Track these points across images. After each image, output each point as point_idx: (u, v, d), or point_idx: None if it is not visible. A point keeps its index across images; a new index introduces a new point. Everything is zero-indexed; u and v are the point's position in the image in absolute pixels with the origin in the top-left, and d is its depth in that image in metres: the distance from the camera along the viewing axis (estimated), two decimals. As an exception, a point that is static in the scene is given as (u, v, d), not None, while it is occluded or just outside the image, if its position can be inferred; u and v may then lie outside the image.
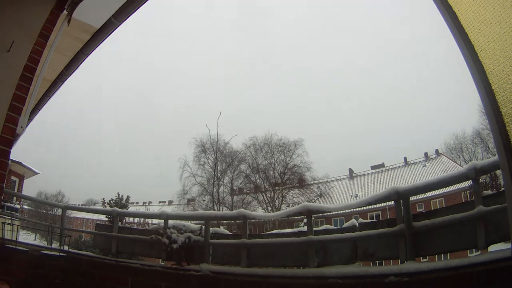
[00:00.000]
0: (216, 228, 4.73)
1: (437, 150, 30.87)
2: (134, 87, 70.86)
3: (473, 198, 2.81)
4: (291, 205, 23.77)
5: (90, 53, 3.48)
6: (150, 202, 45.55)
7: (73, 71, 3.78)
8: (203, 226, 4.28)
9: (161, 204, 42.50)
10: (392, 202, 3.24)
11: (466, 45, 1.70)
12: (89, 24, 3.07)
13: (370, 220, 6.50)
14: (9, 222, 4.88)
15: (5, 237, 4.31)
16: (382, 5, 59.87)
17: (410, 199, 3.18)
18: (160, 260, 5.04)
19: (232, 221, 17.20)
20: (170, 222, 4.47)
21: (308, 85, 61.00)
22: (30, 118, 3.93)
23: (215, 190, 23.88)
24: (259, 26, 71.48)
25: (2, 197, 2.09)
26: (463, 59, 1.75)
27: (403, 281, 2.65)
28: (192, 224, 4.45)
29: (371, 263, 4.90)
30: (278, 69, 65.28)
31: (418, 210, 19.36)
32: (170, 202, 38.80)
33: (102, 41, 3.29)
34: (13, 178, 16.41)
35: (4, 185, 2.01)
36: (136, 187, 53.84)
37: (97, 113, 69.48)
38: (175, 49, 75.20)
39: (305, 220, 7.10)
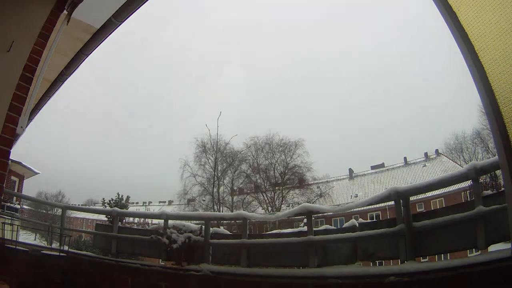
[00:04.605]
0: (216, 228, 4.73)
1: (437, 150, 30.87)
2: (134, 87, 70.84)
3: (473, 198, 2.82)
4: (291, 205, 23.76)
5: (90, 53, 3.48)
6: (150, 202, 45.54)
7: (73, 71, 3.78)
8: (203, 226, 4.28)
9: (161, 204, 42.50)
10: (392, 202, 3.25)
11: (466, 45, 1.70)
12: (89, 24, 3.07)
13: (370, 220, 6.49)
14: (9, 222, 4.88)
15: (5, 237, 4.31)
16: (382, 5, 59.87)
17: (410, 199, 3.18)
18: (160, 260, 5.04)
19: (232, 221, 17.19)
20: (170, 222, 4.48)
21: (308, 85, 61.05)
22: (30, 118, 3.93)
23: (215, 190, 23.89)
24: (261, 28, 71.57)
25: (2, 197, 2.09)
26: (463, 59, 1.75)
27: (403, 281, 2.65)
28: (192, 224, 4.46)
29: (371, 263, 4.91)
30: (278, 69, 65.30)
31: (418, 210, 19.35)
32: (170, 202, 38.82)
33: (102, 41, 3.29)
34: (13, 178, 16.39)
35: (4, 185, 2.01)
36: (136, 187, 53.87)
37: (97, 113, 69.49)
38: (174, 47, 75.28)
39: (305, 220, 7.10)
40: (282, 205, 24.76)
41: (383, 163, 33.46)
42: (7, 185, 13.16)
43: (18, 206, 13.71)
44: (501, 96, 1.63)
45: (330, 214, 21.12)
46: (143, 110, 69.31)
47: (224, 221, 17.08)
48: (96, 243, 5.47)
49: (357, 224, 3.52)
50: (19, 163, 15.73)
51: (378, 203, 3.73)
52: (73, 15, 2.79)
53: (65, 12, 2.67)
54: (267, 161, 27.00)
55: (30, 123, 4.14)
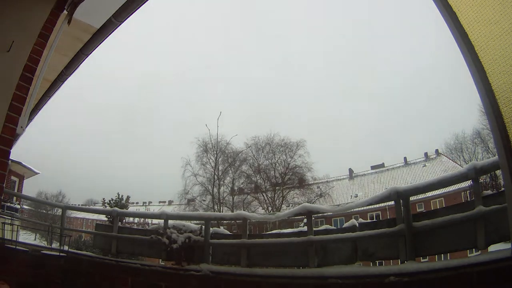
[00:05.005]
0: (216, 228, 4.73)
1: (437, 150, 30.87)
2: (134, 87, 70.86)
3: (473, 198, 2.82)
4: (291, 205, 23.76)
5: (90, 53, 3.48)
6: (150, 202, 45.52)
7: (73, 71, 3.78)
8: (203, 226, 4.28)
9: (161, 204, 42.49)
10: (392, 202, 3.25)
11: (466, 45, 1.70)
12: (89, 24, 3.06)
13: (370, 220, 6.49)
14: (9, 222, 4.88)
15: (5, 237, 4.31)
16: (381, 5, 59.91)
17: (410, 199, 3.18)
18: (160, 260, 5.04)
19: (232, 221, 17.19)
20: (170, 222, 4.48)
21: (308, 84, 61.02)
22: (30, 118, 3.93)
23: (216, 190, 23.88)
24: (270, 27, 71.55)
25: (2, 197, 2.08)
26: (463, 59, 1.75)
27: (403, 281, 2.65)
28: (192, 224, 4.46)
29: (371, 263, 4.91)
30: (280, 70, 65.31)
31: (418, 210, 19.34)
32: (170, 202, 38.81)
33: (102, 41, 3.28)
34: (13, 178, 16.38)
35: (4, 185, 2.00)
36: (136, 187, 53.90)
37: (97, 113, 69.48)
38: (175, 46, 75.30)
39: (305, 220, 7.10)
40: (283, 205, 24.75)
41: (383, 163, 33.48)
42: (7, 185, 13.16)
43: (18, 206, 13.71)
44: (501, 96, 1.62)
45: (330, 214, 21.10)
46: (143, 110, 69.33)
47: (224, 221, 17.08)
48: (96, 243, 5.47)
49: (357, 224, 3.52)
50: (19, 163, 15.73)
51: (378, 203, 3.74)
52: (73, 15, 2.79)
53: (65, 12, 2.67)
54: (267, 161, 27.02)
55: (30, 123, 4.13)
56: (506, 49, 1.55)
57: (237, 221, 10.35)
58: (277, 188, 25.91)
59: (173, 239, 4.15)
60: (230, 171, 25.82)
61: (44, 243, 9.42)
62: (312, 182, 27.57)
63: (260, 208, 25.55)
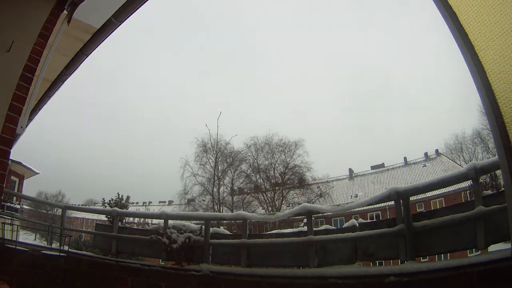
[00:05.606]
0: (216, 228, 4.73)
1: (437, 150, 30.87)
2: (134, 86, 70.89)
3: (473, 198, 2.82)
4: (291, 205, 23.75)
5: (90, 53, 3.48)
6: (150, 202, 45.55)
7: (73, 71, 3.78)
8: (203, 226, 4.28)
9: (161, 204, 42.49)
10: (392, 202, 3.25)
11: (466, 45, 1.70)
12: (89, 24, 3.07)
13: (370, 220, 6.48)
14: (9, 222, 4.88)
15: (5, 237, 4.31)
16: (381, 5, 59.91)
17: (410, 199, 3.18)
18: (160, 260, 5.04)
19: (232, 221, 17.19)
20: (170, 222, 4.48)
21: (308, 85, 61.04)
22: (30, 118, 3.93)
23: (215, 190, 23.89)
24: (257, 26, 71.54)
25: (2, 197, 2.08)
26: (463, 59, 1.75)
27: (403, 281, 2.65)
28: (192, 224, 4.45)
29: (371, 263, 4.91)
30: (280, 69, 65.33)
31: (418, 210, 19.34)
32: (170, 202, 38.80)
33: (102, 41, 3.29)
34: (13, 178, 16.39)
35: (4, 185, 2.00)
36: (136, 187, 53.90)
37: (96, 112, 69.48)
38: (173, 46, 75.30)
39: (305, 220, 7.10)
40: (282, 205, 24.74)
41: (383, 163, 33.47)
42: (7, 185, 13.16)
43: (18, 206, 13.73)
44: (501, 96, 1.63)
45: (330, 214, 21.09)
46: (143, 110, 69.34)
47: (224, 221, 17.08)
48: (96, 243, 5.47)
49: (357, 224, 3.52)
50: (19, 163, 15.74)
51: (378, 203, 3.74)
52: (73, 15, 2.79)
53: (65, 12, 2.67)
54: (267, 161, 27.04)
55: (30, 123, 4.13)
56: (506, 49, 1.55)
57: (237, 221, 10.36)
58: (277, 188, 25.92)
59: (173, 239, 4.15)
60: (230, 171, 25.85)
61: (44, 243, 9.43)
62: (312, 182, 27.57)
63: (260, 208, 25.55)
